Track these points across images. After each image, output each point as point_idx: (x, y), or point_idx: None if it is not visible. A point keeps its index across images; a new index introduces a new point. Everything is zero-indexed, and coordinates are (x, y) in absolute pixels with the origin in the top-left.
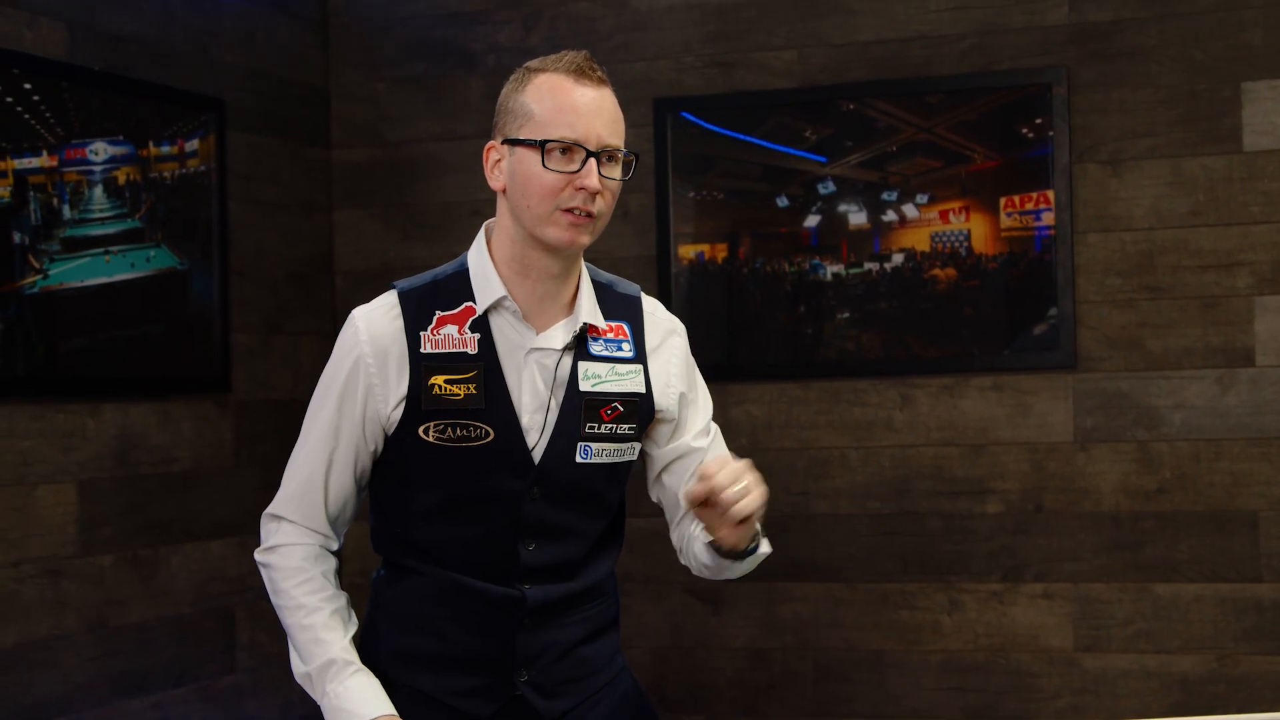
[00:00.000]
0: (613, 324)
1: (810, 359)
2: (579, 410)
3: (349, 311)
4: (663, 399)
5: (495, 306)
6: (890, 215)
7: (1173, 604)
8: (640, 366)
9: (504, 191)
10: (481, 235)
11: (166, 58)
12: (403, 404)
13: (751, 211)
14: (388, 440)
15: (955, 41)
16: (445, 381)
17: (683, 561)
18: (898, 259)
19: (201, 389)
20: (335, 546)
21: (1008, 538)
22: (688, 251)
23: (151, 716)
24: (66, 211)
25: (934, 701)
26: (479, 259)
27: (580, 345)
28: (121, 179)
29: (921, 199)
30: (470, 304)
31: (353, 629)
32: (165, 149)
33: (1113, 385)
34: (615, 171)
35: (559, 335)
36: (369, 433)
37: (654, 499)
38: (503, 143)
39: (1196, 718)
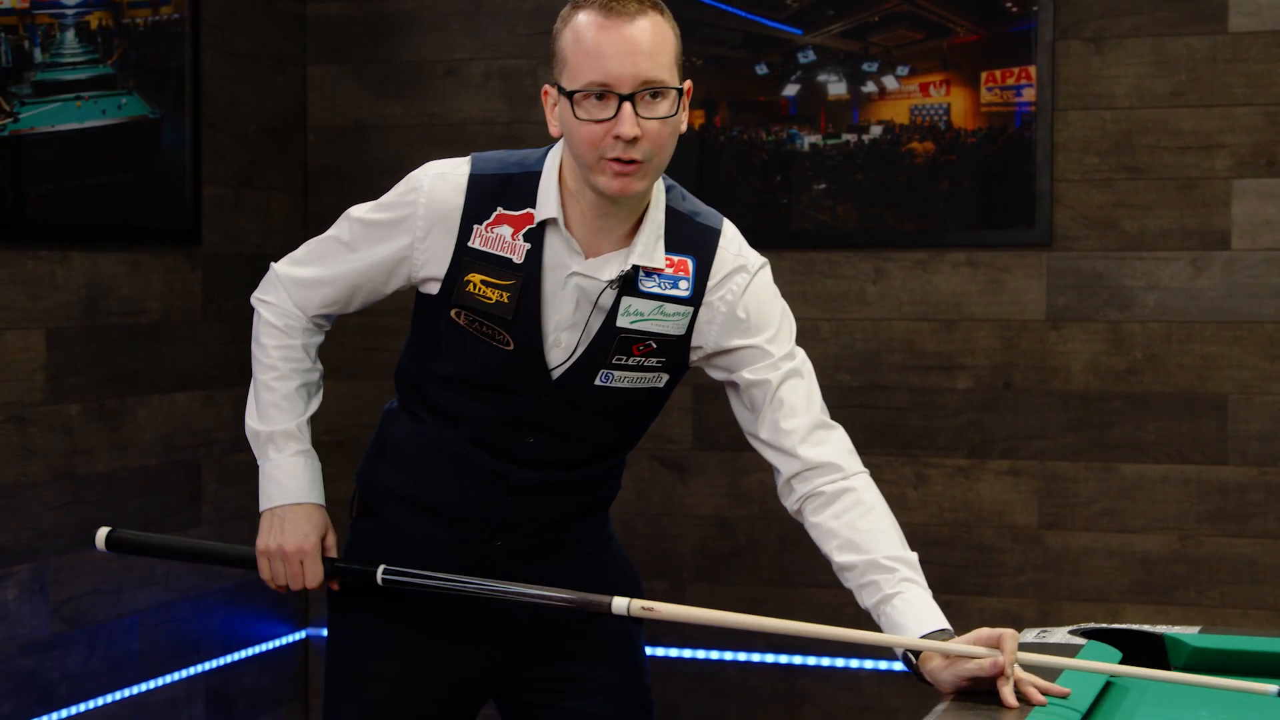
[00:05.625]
0: (676, 258)
1: (784, 229)
2: (609, 345)
3: (321, 168)
4: (702, 338)
5: (551, 222)
6: (870, 86)
7: (1138, 484)
8: (690, 309)
9: (559, 137)
10: (560, 145)
11: None
12: (438, 284)
13: (729, 79)
14: (424, 297)
15: None
16: (481, 282)
17: (785, 502)
18: (876, 131)
19: (171, 240)
20: (326, 328)
21: (976, 414)
22: None
23: (115, 566)
24: (38, 55)
25: None
26: (550, 171)
27: (628, 283)
28: (94, 24)
29: (902, 71)
30: (531, 210)
31: (314, 406)
32: None
33: (1087, 264)
34: (660, 109)
35: (609, 266)
36: (391, 282)
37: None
38: (553, 85)
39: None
